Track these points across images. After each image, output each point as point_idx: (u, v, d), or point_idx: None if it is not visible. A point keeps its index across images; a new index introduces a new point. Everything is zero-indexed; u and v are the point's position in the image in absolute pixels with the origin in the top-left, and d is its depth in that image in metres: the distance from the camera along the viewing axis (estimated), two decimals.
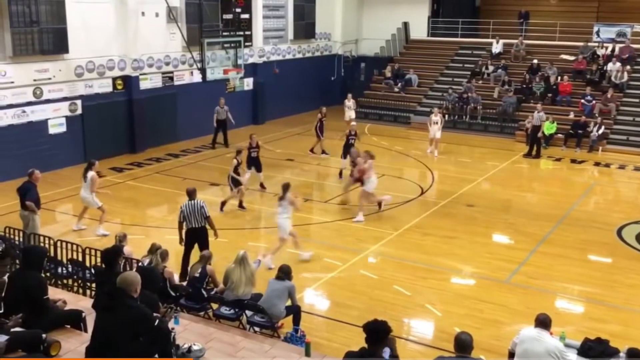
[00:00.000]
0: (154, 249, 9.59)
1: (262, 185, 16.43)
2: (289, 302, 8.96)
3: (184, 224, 10.90)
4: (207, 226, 11.02)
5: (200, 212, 10.79)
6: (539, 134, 20.69)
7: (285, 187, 11.93)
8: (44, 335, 6.28)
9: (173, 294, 9.14)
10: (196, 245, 10.97)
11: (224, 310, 8.96)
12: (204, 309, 9.16)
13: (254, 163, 16.16)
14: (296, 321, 8.98)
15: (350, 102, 23.28)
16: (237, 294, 8.95)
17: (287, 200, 11.83)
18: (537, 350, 6.52)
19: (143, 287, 6.10)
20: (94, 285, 9.19)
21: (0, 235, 11.01)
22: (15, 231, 11.00)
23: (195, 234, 10.88)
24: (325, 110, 20.57)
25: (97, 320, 5.88)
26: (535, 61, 25.23)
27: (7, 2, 16.17)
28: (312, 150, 20.23)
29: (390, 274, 11.64)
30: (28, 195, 11.74)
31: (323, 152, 20.21)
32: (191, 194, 11.00)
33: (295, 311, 9.02)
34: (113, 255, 7.66)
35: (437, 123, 20.46)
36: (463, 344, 5.90)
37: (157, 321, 5.88)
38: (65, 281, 9.91)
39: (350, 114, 22.96)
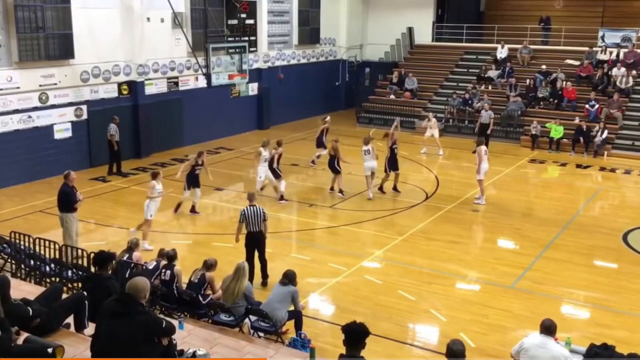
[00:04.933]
0: (162, 253, 9.73)
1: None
2: (292, 307, 8.96)
3: (244, 225, 11.10)
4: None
5: (263, 216, 11.08)
6: (488, 131, 21.96)
7: (154, 175, 13.29)
8: (49, 350, 6.24)
9: (176, 295, 9.17)
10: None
11: (224, 317, 8.93)
12: (207, 315, 9.15)
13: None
14: (298, 326, 8.99)
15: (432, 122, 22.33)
16: (227, 304, 8.92)
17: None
18: (542, 358, 6.48)
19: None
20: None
21: (6, 239, 11.05)
22: (20, 235, 11.02)
23: (254, 238, 11.10)
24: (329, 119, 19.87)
25: (105, 326, 5.83)
26: (543, 67, 25.22)
27: (13, 8, 16.27)
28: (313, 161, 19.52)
29: (395, 279, 11.62)
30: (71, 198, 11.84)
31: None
32: (251, 199, 11.30)
33: (296, 316, 9.02)
34: (105, 259, 7.69)
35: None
36: (455, 355, 5.86)
37: (164, 323, 5.93)
38: (70, 285, 9.94)
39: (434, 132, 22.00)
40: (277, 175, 15.98)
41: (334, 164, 16.48)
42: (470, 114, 24.40)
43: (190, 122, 22.01)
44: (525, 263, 12.41)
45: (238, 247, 12.81)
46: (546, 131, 22.31)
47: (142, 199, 16.26)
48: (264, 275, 11.14)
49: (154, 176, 13.21)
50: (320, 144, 19.20)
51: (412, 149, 22.28)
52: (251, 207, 11.07)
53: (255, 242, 11.11)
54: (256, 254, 11.16)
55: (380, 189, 16.65)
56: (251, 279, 10.64)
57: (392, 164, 16.44)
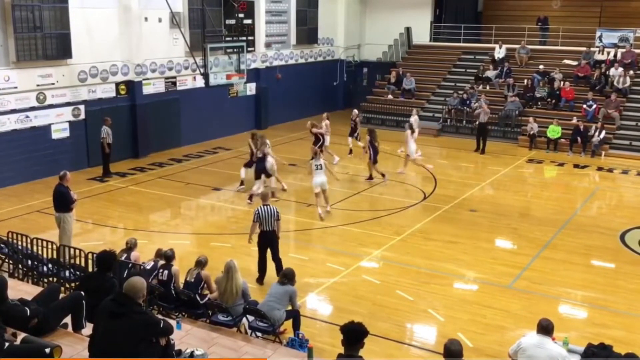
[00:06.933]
0: (159, 254, 9.71)
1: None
2: (290, 307, 8.96)
3: (257, 225, 11.12)
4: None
5: (277, 215, 11.12)
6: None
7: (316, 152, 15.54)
8: (47, 350, 6.23)
9: (174, 295, 9.16)
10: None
11: (221, 317, 8.92)
12: (204, 315, 9.14)
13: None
14: (296, 326, 8.99)
15: None
16: (227, 305, 8.91)
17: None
18: (540, 357, 6.48)
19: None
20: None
21: (3, 239, 11.04)
22: (18, 235, 11.02)
23: (267, 237, 11.14)
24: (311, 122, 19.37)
25: (102, 326, 5.83)
26: (541, 67, 25.25)
27: (10, 7, 16.23)
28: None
29: (393, 279, 11.62)
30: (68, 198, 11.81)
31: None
32: (265, 198, 11.46)
33: (294, 316, 9.02)
34: (109, 259, 7.68)
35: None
36: (453, 355, 5.87)
37: (162, 323, 5.95)
38: (68, 285, 9.93)
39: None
40: None
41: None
42: (467, 114, 24.41)
43: (188, 122, 22.00)
44: (522, 263, 12.42)
45: (236, 247, 12.85)
46: (543, 131, 22.34)
47: (140, 199, 16.35)
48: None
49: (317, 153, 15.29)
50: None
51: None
52: (265, 207, 11.12)
53: (267, 241, 11.15)
54: (269, 254, 11.17)
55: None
56: (262, 280, 10.88)
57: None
